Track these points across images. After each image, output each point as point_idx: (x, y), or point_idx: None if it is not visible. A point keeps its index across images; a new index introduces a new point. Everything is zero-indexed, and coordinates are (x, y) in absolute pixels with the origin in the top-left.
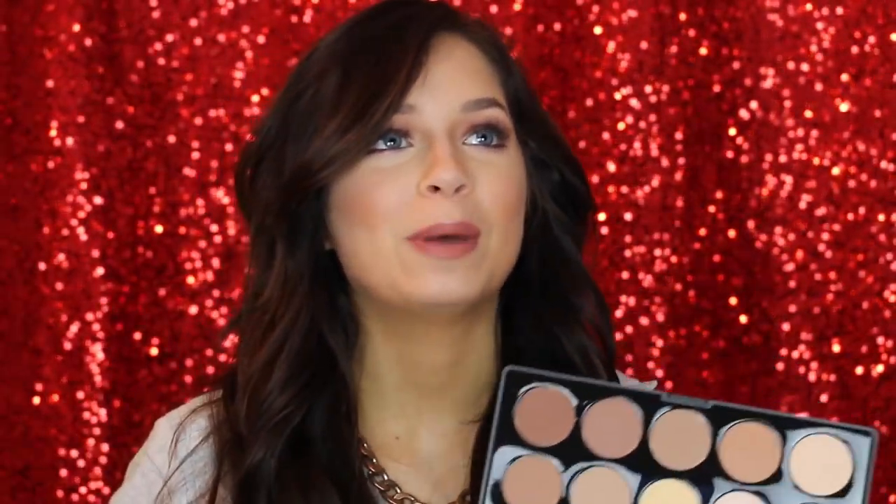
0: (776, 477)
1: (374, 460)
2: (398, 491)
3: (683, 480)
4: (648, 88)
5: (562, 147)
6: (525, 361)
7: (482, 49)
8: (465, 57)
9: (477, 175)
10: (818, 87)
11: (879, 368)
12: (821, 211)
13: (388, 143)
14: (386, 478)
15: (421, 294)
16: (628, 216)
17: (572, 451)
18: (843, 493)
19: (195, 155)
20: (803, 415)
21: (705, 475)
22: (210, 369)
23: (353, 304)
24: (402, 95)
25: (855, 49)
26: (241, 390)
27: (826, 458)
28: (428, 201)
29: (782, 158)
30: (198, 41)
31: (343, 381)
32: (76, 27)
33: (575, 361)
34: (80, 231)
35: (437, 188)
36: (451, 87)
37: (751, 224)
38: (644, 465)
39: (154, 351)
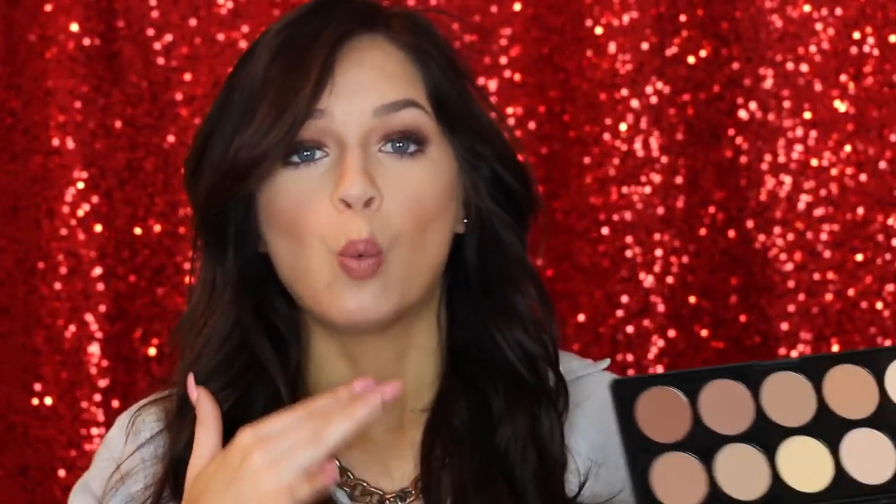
0: (882, 406)
1: None
2: (350, 477)
3: (806, 434)
4: (649, 89)
5: (493, 143)
6: (468, 356)
7: (401, 47)
8: (381, 58)
9: (388, 185)
10: (817, 87)
11: None
12: (819, 211)
13: (304, 156)
14: (338, 464)
15: (339, 311)
16: (628, 216)
17: (700, 438)
18: None
19: None
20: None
21: (823, 424)
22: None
23: (293, 302)
24: (311, 101)
25: (854, 50)
26: (173, 389)
27: None
28: (343, 217)
29: (781, 159)
30: (197, 41)
31: (280, 377)
32: (75, 27)
33: (509, 358)
34: (79, 231)
35: (347, 203)
36: (362, 91)
37: (750, 224)
38: (767, 430)
39: (153, 351)
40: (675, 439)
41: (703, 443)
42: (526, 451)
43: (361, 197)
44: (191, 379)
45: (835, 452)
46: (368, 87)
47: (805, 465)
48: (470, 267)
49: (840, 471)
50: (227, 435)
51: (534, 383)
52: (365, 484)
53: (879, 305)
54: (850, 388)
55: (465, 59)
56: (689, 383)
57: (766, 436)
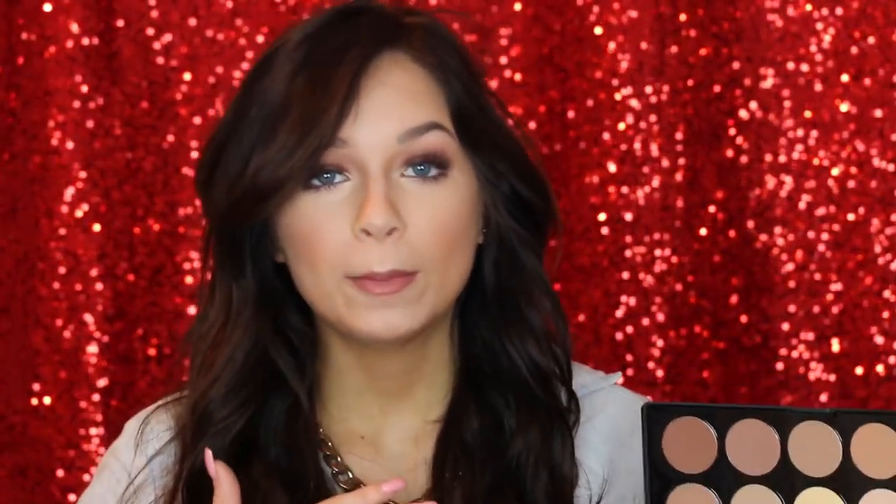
0: None
1: (339, 459)
2: (363, 487)
3: (826, 487)
4: (649, 89)
5: (512, 159)
6: (481, 368)
7: (424, 65)
8: (404, 78)
9: (412, 210)
10: (818, 87)
11: (879, 368)
12: (820, 211)
13: (324, 179)
14: (350, 475)
15: (365, 331)
16: (628, 216)
17: (722, 474)
18: None
19: (194, 154)
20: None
21: (844, 479)
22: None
23: (307, 315)
24: (334, 130)
25: (855, 49)
26: (189, 401)
27: None
28: (362, 246)
29: (782, 158)
30: (197, 40)
31: (301, 388)
32: (74, 26)
33: (522, 373)
34: (78, 231)
35: (369, 233)
36: (385, 118)
37: (751, 224)
38: (789, 477)
39: (152, 351)
40: (698, 471)
41: (724, 479)
42: (537, 467)
43: (384, 228)
44: (209, 454)
45: None
46: (392, 112)
47: None
48: (486, 279)
49: None
50: (242, 451)
51: (546, 400)
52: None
53: (880, 305)
54: (879, 448)
55: (477, 58)
56: (721, 418)
57: (787, 482)
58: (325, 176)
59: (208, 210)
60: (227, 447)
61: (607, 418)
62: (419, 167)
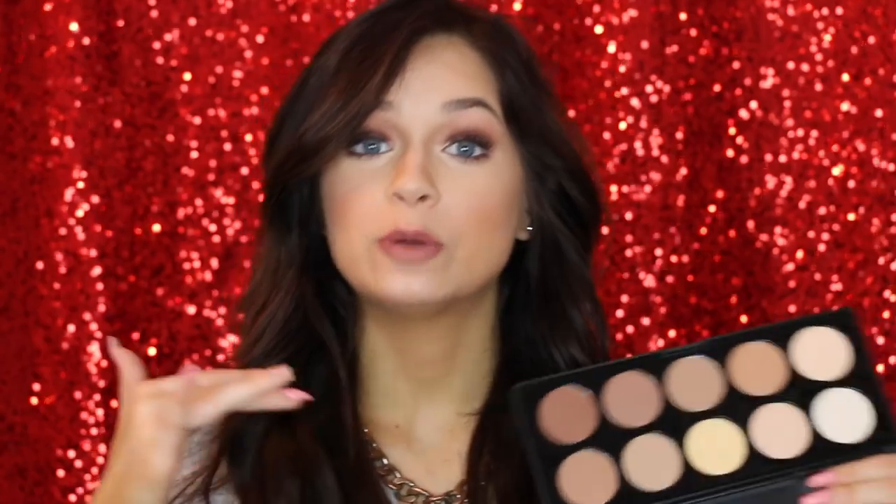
0: (791, 380)
1: (374, 445)
2: (398, 476)
3: (715, 417)
4: (649, 88)
5: (562, 156)
6: (522, 366)
7: (478, 50)
8: (454, 57)
9: (449, 186)
10: (818, 87)
11: (879, 368)
12: (821, 211)
13: (369, 148)
14: (386, 462)
15: (386, 293)
16: (628, 216)
17: (608, 434)
18: (854, 370)
19: (194, 154)
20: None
21: (732, 405)
22: (208, 369)
23: (350, 289)
24: (379, 92)
25: (855, 49)
26: (235, 362)
27: (824, 346)
28: (393, 207)
29: (782, 158)
30: (197, 40)
31: (339, 357)
32: (74, 26)
33: (558, 369)
34: (78, 230)
35: (401, 196)
36: (431, 87)
37: (751, 224)
38: (675, 419)
39: (152, 351)
40: (582, 438)
41: (611, 439)
42: None
43: (416, 193)
44: (112, 342)
45: (745, 432)
46: (438, 83)
47: (715, 447)
48: (531, 276)
49: (752, 450)
50: (282, 414)
51: None
52: (411, 484)
53: (880, 305)
54: (758, 365)
55: (548, 71)
56: (593, 380)
57: (673, 423)
58: (370, 145)
59: (264, 178)
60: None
61: None
62: (463, 147)
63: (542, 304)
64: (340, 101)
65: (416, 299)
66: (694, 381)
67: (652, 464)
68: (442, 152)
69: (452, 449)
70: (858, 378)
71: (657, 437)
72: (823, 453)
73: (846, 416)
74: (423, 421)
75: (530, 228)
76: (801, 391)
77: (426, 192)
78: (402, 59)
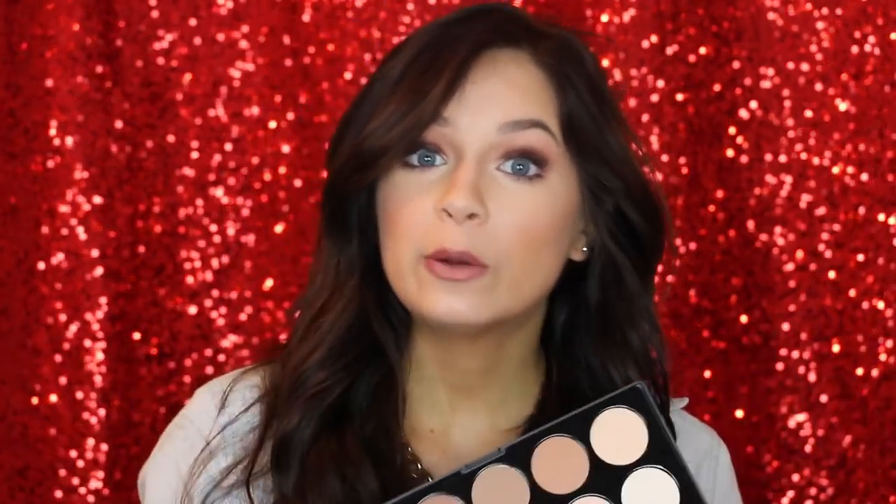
0: (594, 470)
1: (410, 449)
2: (430, 481)
3: None
4: (649, 88)
5: (621, 178)
6: (577, 387)
7: (541, 67)
8: (516, 74)
9: (500, 205)
10: (818, 86)
11: (879, 369)
12: (820, 211)
13: (424, 161)
14: (420, 467)
15: (430, 312)
16: None
17: None
18: (653, 445)
19: (194, 154)
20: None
21: None
22: (209, 369)
23: None
24: (438, 106)
25: (855, 49)
26: (288, 364)
27: (621, 428)
28: (441, 225)
29: (782, 158)
30: (197, 40)
31: (390, 366)
32: (75, 26)
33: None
34: (80, 230)
35: (449, 213)
36: (489, 105)
37: (751, 224)
38: None
39: (153, 351)
40: None
41: None
42: None
43: (464, 211)
44: None
45: None
46: (497, 102)
47: None
48: (590, 300)
49: None
50: (332, 417)
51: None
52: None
53: (881, 305)
54: (560, 462)
55: (617, 93)
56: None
57: None
58: (425, 157)
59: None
60: (323, 412)
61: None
62: (518, 165)
63: (601, 325)
64: (399, 111)
65: (460, 320)
66: (500, 492)
67: None
68: (496, 170)
69: None
70: (659, 454)
71: None
72: None
73: (654, 496)
74: (459, 429)
75: (585, 250)
76: (606, 480)
77: (474, 210)
78: (463, 73)
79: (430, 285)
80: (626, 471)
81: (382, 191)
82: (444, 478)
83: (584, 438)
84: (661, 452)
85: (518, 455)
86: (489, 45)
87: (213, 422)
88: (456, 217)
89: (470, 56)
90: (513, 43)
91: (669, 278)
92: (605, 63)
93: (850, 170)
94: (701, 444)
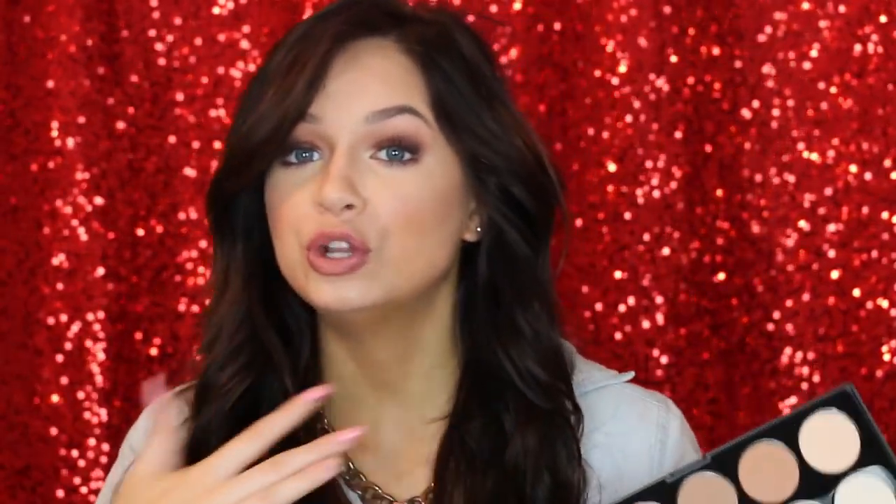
0: (804, 478)
1: None
2: (363, 480)
3: None
4: (648, 87)
5: (502, 155)
6: (480, 371)
7: (407, 53)
8: (381, 63)
9: (376, 191)
10: (820, 85)
11: (883, 369)
12: (823, 210)
13: (302, 157)
14: (351, 467)
15: (320, 301)
16: (628, 215)
17: None
18: (865, 451)
19: (195, 155)
20: (786, 410)
21: None
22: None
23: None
24: (302, 104)
25: (857, 47)
26: (194, 381)
27: (831, 432)
28: (320, 216)
29: (784, 157)
30: (198, 41)
31: (286, 369)
32: (76, 27)
33: (515, 380)
34: (81, 231)
35: (325, 207)
36: (354, 97)
37: (753, 223)
38: None
39: (154, 351)
40: None
41: None
42: (538, 471)
43: (338, 203)
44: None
45: None
46: (362, 92)
47: None
48: (480, 278)
49: None
50: (242, 417)
51: (544, 406)
52: (377, 488)
53: (885, 305)
54: (768, 469)
55: (501, 74)
56: None
57: None
58: (302, 154)
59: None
60: (227, 413)
61: (616, 417)
62: (392, 151)
63: (492, 306)
64: (267, 111)
65: (350, 306)
66: (707, 501)
67: None
68: (370, 158)
69: (419, 454)
70: (872, 460)
71: None
72: None
73: (868, 502)
74: (388, 426)
75: (479, 230)
76: (817, 486)
77: (349, 201)
78: (324, 68)
79: (316, 280)
80: (838, 477)
81: (266, 190)
82: (647, 486)
83: (792, 444)
84: (875, 457)
85: (724, 462)
86: (351, 37)
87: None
88: (332, 210)
89: (331, 49)
90: (376, 32)
91: (670, 279)
92: (612, 48)
93: (853, 169)
94: (649, 416)
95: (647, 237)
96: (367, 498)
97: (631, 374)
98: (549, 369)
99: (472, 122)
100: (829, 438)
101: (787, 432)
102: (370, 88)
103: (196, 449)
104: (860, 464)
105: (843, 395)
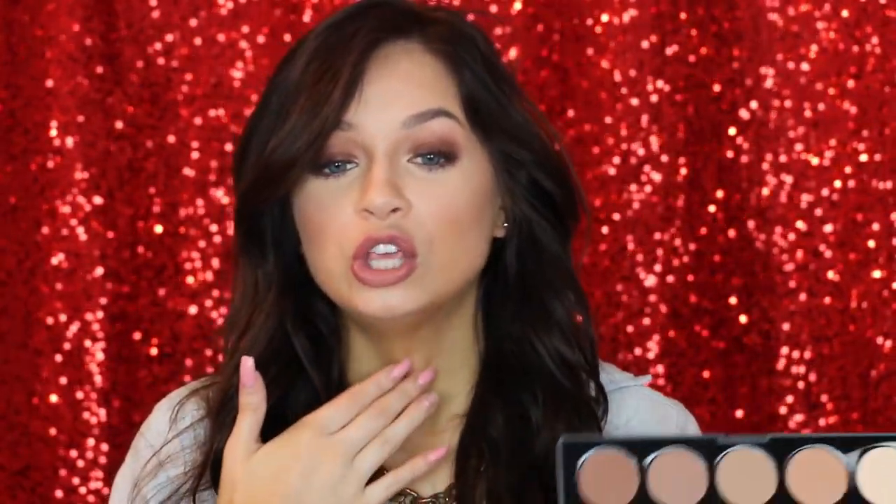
0: (848, 497)
1: None
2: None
3: None
4: (649, 88)
5: (531, 148)
6: (506, 362)
7: (435, 54)
8: (411, 67)
9: (418, 195)
10: (818, 86)
11: (879, 368)
12: (821, 211)
13: (335, 167)
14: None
15: (366, 309)
16: (629, 215)
17: None
18: None
19: (195, 155)
20: (862, 432)
21: None
22: (210, 370)
23: (333, 303)
24: (339, 112)
25: (856, 49)
26: (219, 384)
27: (891, 469)
28: (365, 222)
29: (782, 158)
30: (197, 41)
31: (318, 376)
32: (76, 27)
33: (548, 366)
34: (80, 231)
35: (371, 212)
36: (390, 103)
37: (751, 224)
38: None
39: (154, 351)
40: None
41: None
42: None
43: (385, 207)
44: (249, 362)
45: None
46: (397, 98)
47: None
48: (509, 271)
49: None
50: (270, 429)
51: (574, 392)
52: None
53: (880, 306)
54: (817, 474)
55: (509, 63)
56: (643, 449)
57: None
58: (335, 165)
59: (236, 199)
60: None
61: (636, 418)
62: (428, 156)
63: (522, 297)
64: (301, 121)
65: (396, 314)
66: (746, 475)
67: None
68: (408, 163)
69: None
70: None
71: None
72: None
73: None
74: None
75: (507, 225)
76: None
77: (395, 204)
78: (359, 75)
79: (359, 290)
80: None
81: (298, 202)
82: (697, 437)
83: (851, 462)
84: None
85: (779, 448)
86: (380, 42)
87: (164, 435)
88: (379, 214)
89: (363, 56)
90: (402, 35)
91: (669, 279)
92: (612, 47)
93: (851, 169)
94: (669, 420)
95: (647, 237)
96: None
97: (648, 378)
98: (577, 349)
99: (501, 118)
100: (889, 473)
101: (850, 448)
102: (405, 93)
103: (216, 463)
104: None
105: None
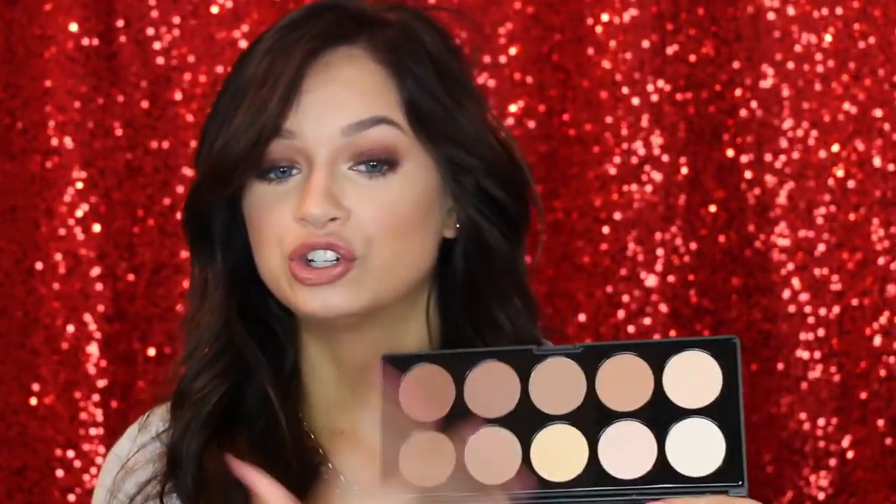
0: (654, 401)
1: (321, 451)
2: (342, 480)
3: (567, 423)
4: (649, 87)
5: (477, 155)
6: None
7: (378, 61)
8: (353, 74)
9: (358, 202)
10: (818, 86)
11: (880, 368)
12: (821, 211)
13: (280, 173)
14: (331, 466)
15: (305, 307)
16: (629, 215)
17: (458, 419)
18: (720, 401)
19: (193, 154)
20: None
21: (588, 414)
22: None
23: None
24: (277, 120)
25: (855, 49)
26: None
27: (697, 372)
28: (303, 229)
29: (782, 158)
30: (196, 41)
31: (266, 375)
32: (74, 26)
33: None
34: (78, 231)
35: (308, 221)
36: (329, 111)
37: (751, 224)
38: (528, 417)
39: (151, 351)
40: (434, 418)
41: (461, 423)
42: None
43: (321, 217)
44: (229, 458)
45: (593, 443)
46: (337, 106)
47: (558, 453)
48: (457, 273)
49: (593, 463)
50: (222, 420)
51: None
52: (356, 489)
53: (880, 305)
54: (625, 380)
55: (466, 66)
56: (460, 363)
57: (524, 421)
58: (280, 171)
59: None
60: (205, 419)
61: None
62: (371, 164)
63: (469, 302)
64: (243, 127)
65: (335, 313)
66: (556, 384)
67: (493, 457)
68: (349, 170)
69: None
70: (721, 411)
71: (503, 431)
72: (664, 480)
73: (699, 447)
74: (369, 425)
75: (458, 226)
76: (660, 414)
77: (332, 214)
78: (298, 83)
79: (299, 289)
80: (683, 413)
81: (245, 203)
82: (512, 349)
83: (658, 368)
84: (725, 411)
85: (589, 357)
86: (323, 49)
87: (132, 446)
88: (315, 224)
89: (303, 63)
90: (347, 41)
91: (670, 278)
92: (612, 48)
93: (851, 170)
94: None
95: (647, 237)
96: None
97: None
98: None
99: (447, 126)
100: (693, 377)
101: (658, 356)
102: (345, 101)
103: (172, 456)
104: (709, 412)
105: (729, 344)
